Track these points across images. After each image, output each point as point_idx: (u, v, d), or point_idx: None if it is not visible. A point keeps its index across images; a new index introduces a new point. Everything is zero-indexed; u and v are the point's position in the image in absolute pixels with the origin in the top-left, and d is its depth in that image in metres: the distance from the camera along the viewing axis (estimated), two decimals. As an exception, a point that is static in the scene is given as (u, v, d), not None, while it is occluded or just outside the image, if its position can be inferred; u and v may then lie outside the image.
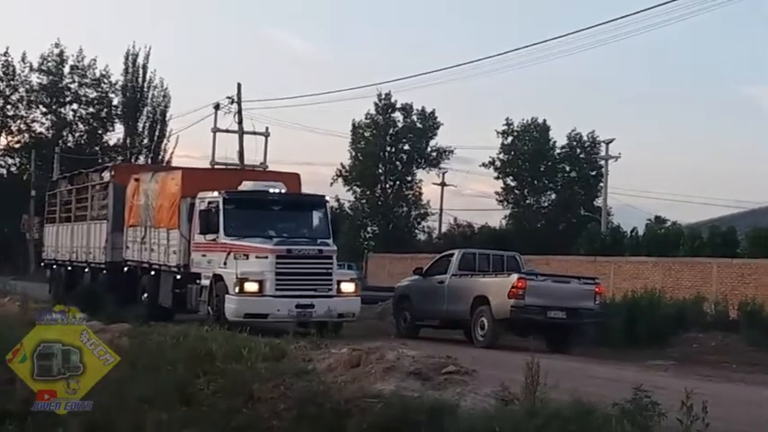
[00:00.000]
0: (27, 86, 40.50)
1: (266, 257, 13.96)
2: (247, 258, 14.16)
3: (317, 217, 16.08)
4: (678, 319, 16.74)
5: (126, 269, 18.71)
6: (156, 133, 41.89)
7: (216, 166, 28.03)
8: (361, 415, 6.36)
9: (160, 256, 16.91)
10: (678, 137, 62.94)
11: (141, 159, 40.86)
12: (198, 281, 15.51)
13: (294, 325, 13.41)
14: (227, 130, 31.39)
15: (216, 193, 15.00)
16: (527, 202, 46.02)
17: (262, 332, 10.91)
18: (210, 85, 67.53)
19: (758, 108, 65.09)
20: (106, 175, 20.32)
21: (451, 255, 16.96)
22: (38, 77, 40.69)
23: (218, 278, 14.41)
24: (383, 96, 43.08)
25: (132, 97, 41.56)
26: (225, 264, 14.39)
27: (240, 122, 31.11)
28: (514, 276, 14.36)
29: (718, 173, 64.29)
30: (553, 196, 46.04)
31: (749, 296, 18.34)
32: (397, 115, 45.53)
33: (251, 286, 13.60)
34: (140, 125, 41.96)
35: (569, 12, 60.83)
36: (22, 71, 40.35)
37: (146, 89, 41.66)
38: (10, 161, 41.99)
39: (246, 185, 15.69)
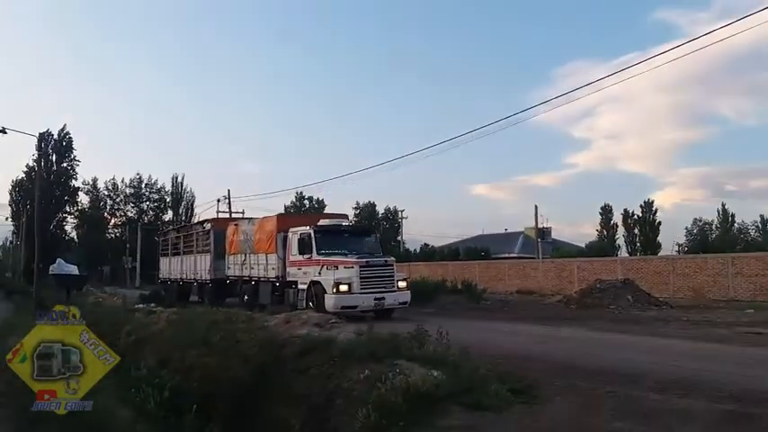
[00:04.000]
0: (123, 194, 69.47)
1: (353, 267, 17.09)
2: (337, 269, 17.28)
3: (371, 240, 20.24)
4: (435, 289, 24.67)
5: (228, 282, 23.73)
6: (189, 214, 67.11)
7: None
8: (291, 345, 9.46)
9: (260, 271, 21.28)
10: (432, 209, 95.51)
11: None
12: (293, 286, 19.03)
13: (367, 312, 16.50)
14: (224, 212, 48.82)
15: (308, 227, 18.91)
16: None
17: (349, 318, 14.08)
18: (216, 189, 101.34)
19: (484, 199, 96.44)
20: (207, 226, 27.02)
21: None
22: (128, 189, 69.43)
23: (315, 283, 17.65)
24: (299, 194, 65.74)
25: (176, 198, 69.86)
26: (320, 273, 17.64)
27: (230, 208, 49.90)
28: None
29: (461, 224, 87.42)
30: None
31: (467, 278, 29.66)
32: (306, 203, 65.09)
33: (344, 287, 16.78)
34: (180, 211, 69.34)
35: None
36: (122, 188, 69.28)
37: (182, 193, 69.96)
38: (116, 230, 69.14)
39: (324, 222, 19.88)
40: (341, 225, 20.30)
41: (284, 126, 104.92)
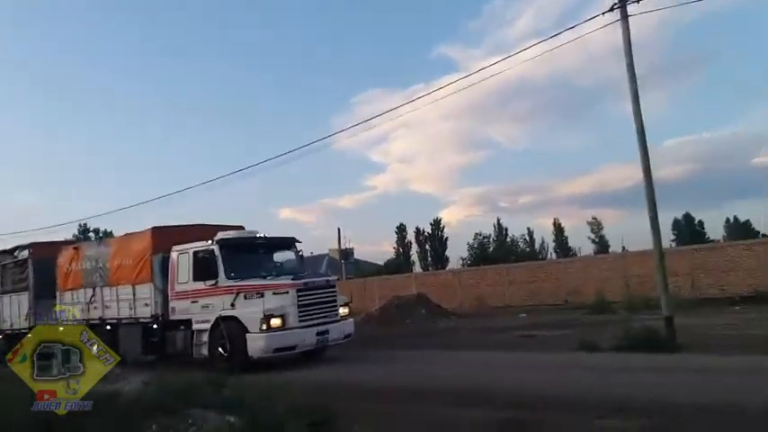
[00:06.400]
0: None
1: (286, 292, 12.62)
2: (262, 296, 12.66)
3: (292, 255, 15.15)
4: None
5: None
6: None
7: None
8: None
9: (121, 310, 15.55)
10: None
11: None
12: (182, 327, 13.86)
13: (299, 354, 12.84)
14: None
15: (208, 243, 13.59)
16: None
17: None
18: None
19: (291, 222, 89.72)
20: (23, 254, 19.90)
21: None
22: None
23: (226, 320, 12.78)
24: (82, 226, 58.50)
25: None
26: (233, 305, 12.84)
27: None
28: None
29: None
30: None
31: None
32: (92, 236, 54.97)
33: (276, 321, 12.29)
34: None
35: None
36: None
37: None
38: None
39: (229, 234, 14.22)
40: (254, 237, 14.60)
41: (68, 153, 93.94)
